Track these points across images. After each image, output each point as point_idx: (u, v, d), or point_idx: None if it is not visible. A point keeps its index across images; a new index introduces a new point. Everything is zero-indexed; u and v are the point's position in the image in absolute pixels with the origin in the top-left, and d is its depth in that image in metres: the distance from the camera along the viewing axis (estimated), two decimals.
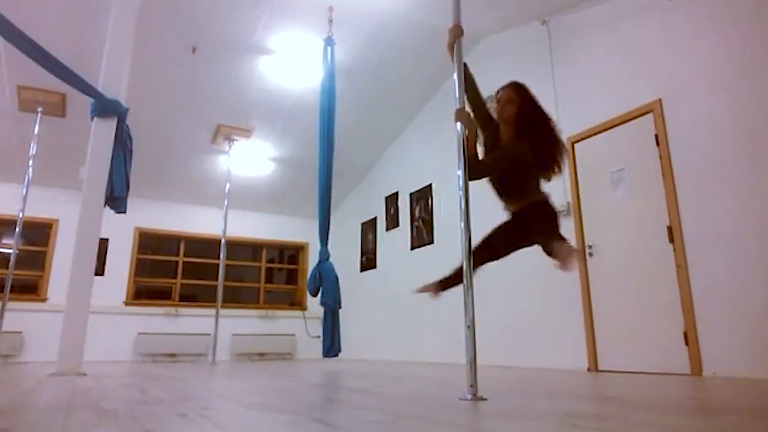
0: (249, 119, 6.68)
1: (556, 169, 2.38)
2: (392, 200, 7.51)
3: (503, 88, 2.46)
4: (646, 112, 4.07)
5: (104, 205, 4.02)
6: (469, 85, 2.52)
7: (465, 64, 2.57)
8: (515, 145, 2.36)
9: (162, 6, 5.02)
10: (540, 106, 2.43)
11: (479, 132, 2.49)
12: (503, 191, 2.48)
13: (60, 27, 4.94)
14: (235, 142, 6.78)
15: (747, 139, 3.40)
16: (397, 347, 6.89)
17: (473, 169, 2.31)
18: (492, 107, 2.51)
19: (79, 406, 1.74)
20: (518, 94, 2.41)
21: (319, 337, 4.41)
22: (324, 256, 4.26)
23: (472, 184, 2.30)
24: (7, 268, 5.09)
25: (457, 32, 2.49)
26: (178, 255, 8.30)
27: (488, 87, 2.58)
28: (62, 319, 3.66)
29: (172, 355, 7.53)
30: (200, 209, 8.29)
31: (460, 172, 2.31)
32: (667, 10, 4.03)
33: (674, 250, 3.71)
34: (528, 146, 2.30)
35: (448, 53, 2.52)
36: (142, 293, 7.92)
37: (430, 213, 6.61)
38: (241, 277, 8.91)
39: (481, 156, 2.44)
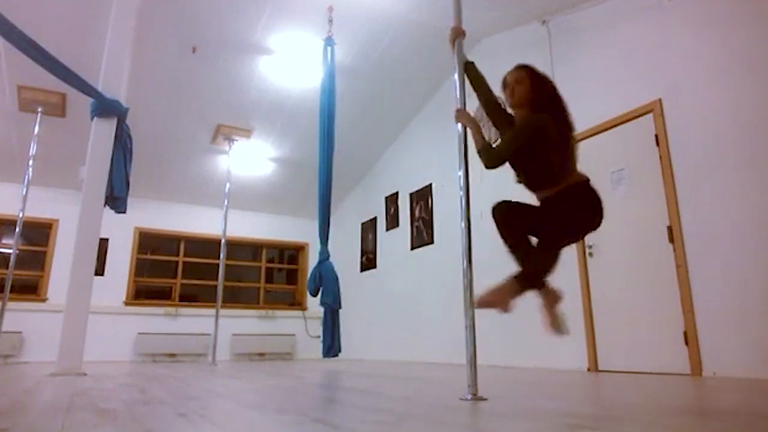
0: (249, 119, 6.68)
1: (572, 144, 2.25)
2: (392, 200, 7.51)
3: (509, 73, 2.37)
4: (646, 112, 4.06)
5: (104, 205, 4.02)
6: (480, 84, 2.53)
7: (472, 63, 2.60)
8: (532, 117, 2.20)
9: (162, 6, 5.02)
10: (551, 80, 2.34)
11: (491, 128, 2.42)
12: (529, 176, 2.28)
13: (60, 27, 4.94)
14: (235, 142, 6.78)
15: (747, 139, 3.40)
16: (397, 347, 6.88)
17: (490, 157, 2.21)
18: (503, 99, 2.41)
19: (79, 406, 1.73)
20: (527, 73, 2.32)
21: (319, 337, 4.41)
22: (324, 256, 4.26)
23: (471, 184, 2.30)
24: (7, 268, 5.09)
25: (458, 33, 2.54)
26: (178, 255, 8.30)
27: None
28: (62, 319, 3.66)
29: (172, 355, 7.52)
30: (200, 209, 8.29)
31: (461, 173, 2.31)
32: (666, 10, 4.03)
33: (674, 250, 3.71)
34: (548, 118, 2.16)
35: (450, 47, 2.55)
36: (142, 293, 7.93)
37: (430, 213, 6.61)
38: (241, 277, 8.90)
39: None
